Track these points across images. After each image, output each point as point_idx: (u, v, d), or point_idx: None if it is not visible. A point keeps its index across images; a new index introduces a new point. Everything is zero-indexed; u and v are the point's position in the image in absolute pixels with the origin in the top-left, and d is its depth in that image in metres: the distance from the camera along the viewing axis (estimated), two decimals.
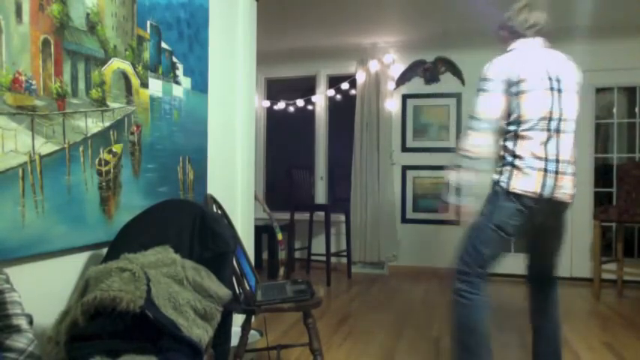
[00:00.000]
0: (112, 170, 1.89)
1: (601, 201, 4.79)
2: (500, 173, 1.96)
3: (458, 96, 5.12)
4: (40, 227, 1.57)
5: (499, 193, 1.94)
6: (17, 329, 1.26)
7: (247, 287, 2.14)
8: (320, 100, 5.52)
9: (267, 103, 5.74)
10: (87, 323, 1.40)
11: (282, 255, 4.99)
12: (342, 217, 5.21)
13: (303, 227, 5.22)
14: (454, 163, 1.99)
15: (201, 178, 2.53)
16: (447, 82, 5.15)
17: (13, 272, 1.36)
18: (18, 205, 1.49)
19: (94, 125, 1.80)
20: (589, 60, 4.74)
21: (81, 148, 1.74)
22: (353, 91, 5.31)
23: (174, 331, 1.43)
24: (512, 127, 1.96)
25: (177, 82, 2.33)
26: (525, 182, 1.90)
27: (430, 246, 5.09)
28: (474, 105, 1.99)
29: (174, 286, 1.58)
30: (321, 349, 2.25)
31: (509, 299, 4.10)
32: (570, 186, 1.98)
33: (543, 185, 1.90)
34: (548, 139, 1.92)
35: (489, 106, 1.95)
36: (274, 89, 5.83)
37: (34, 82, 1.55)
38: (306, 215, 5.10)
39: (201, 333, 1.52)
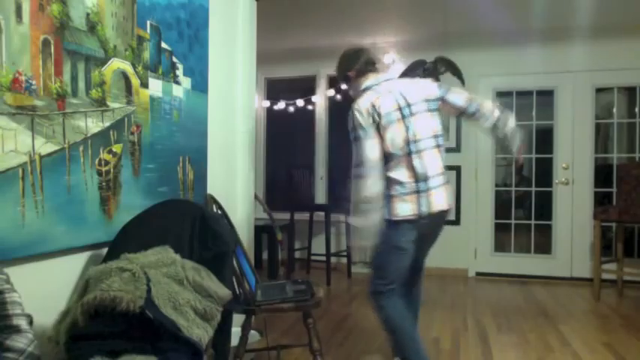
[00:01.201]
0: (112, 170, 1.89)
1: (601, 201, 4.79)
2: (383, 205, 2.12)
3: None
4: (40, 227, 1.57)
5: (388, 222, 2.12)
6: (17, 329, 1.26)
7: (247, 287, 2.14)
8: (320, 100, 5.52)
9: (267, 103, 5.74)
10: (87, 323, 1.40)
11: (282, 255, 4.99)
12: (342, 217, 5.21)
13: (303, 227, 5.22)
14: (357, 212, 2.13)
15: (201, 178, 2.53)
16: (447, 82, 5.14)
17: (13, 272, 1.36)
18: (18, 205, 1.49)
19: (94, 125, 1.80)
20: (589, 60, 4.75)
21: (81, 148, 1.74)
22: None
23: (174, 331, 1.43)
24: (388, 159, 2.12)
25: (177, 82, 2.33)
26: (404, 208, 2.09)
27: None
28: (356, 153, 2.12)
29: (174, 286, 1.58)
30: (321, 349, 2.26)
31: (510, 299, 4.10)
32: (444, 196, 2.16)
33: (419, 205, 2.09)
34: (411, 162, 2.10)
35: (371, 149, 2.08)
36: (274, 89, 5.83)
37: (34, 82, 1.55)
38: (306, 215, 5.10)
39: (201, 333, 1.52)
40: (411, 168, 2.10)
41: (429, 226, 2.19)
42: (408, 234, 2.14)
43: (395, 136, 2.09)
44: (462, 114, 2.31)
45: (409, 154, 2.10)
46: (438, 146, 2.19)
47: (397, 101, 2.13)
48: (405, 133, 2.10)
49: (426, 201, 2.10)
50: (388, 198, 2.11)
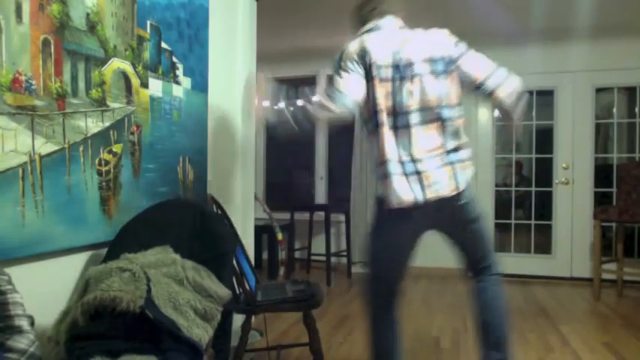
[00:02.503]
0: (112, 170, 1.89)
1: (601, 201, 4.79)
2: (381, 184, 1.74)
3: None
4: (40, 227, 1.57)
5: (380, 209, 1.78)
6: (19, 330, 1.26)
7: (247, 287, 2.14)
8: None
9: (267, 103, 5.74)
10: (87, 323, 1.40)
11: (282, 255, 4.99)
12: (342, 217, 5.21)
13: (303, 227, 5.22)
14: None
15: (201, 178, 2.53)
16: None
17: (14, 272, 1.36)
18: (18, 205, 1.49)
19: (94, 125, 1.80)
20: (589, 60, 4.75)
21: (81, 148, 1.74)
22: None
23: (174, 331, 1.44)
24: (370, 124, 1.76)
25: (177, 82, 2.33)
26: (397, 193, 1.68)
27: (430, 246, 5.07)
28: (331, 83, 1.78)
29: (174, 286, 1.58)
30: (321, 349, 2.26)
31: (510, 299, 4.10)
32: (445, 179, 1.70)
33: (413, 190, 1.68)
34: (397, 137, 1.71)
35: (352, 84, 1.73)
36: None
37: (34, 82, 1.55)
38: (306, 215, 5.10)
39: (201, 333, 1.52)
40: (396, 145, 1.70)
41: (434, 217, 1.76)
42: (400, 227, 1.75)
43: (382, 96, 1.71)
44: (475, 89, 1.80)
45: (395, 127, 1.70)
46: (442, 120, 1.72)
47: (394, 56, 1.73)
48: (392, 99, 1.70)
49: (418, 186, 1.67)
50: (380, 178, 1.73)
